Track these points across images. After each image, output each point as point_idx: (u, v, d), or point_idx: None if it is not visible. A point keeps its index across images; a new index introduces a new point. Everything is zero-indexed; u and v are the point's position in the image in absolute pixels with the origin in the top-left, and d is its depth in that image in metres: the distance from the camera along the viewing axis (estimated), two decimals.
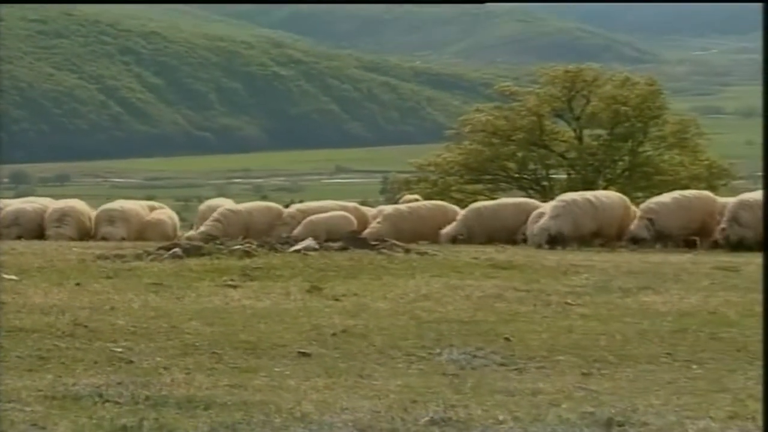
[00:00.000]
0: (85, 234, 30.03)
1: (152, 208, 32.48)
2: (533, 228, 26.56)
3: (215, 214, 30.58)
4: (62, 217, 30.45)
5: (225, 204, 31.90)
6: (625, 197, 28.92)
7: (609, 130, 48.28)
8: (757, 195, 27.69)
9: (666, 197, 28.13)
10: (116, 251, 21.32)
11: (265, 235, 26.58)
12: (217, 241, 22.32)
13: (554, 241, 25.67)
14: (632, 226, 26.82)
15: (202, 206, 33.08)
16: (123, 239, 28.78)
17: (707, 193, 29.85)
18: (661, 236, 26.57)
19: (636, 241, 26.37)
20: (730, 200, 27.61)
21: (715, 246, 25.88)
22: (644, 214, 27.06)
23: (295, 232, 27.15)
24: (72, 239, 28.29)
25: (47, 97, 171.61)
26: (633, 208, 27.89)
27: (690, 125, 50.32)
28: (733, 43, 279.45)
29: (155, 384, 9.70)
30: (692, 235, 27.21)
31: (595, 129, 48.73)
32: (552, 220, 26.34)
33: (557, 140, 48.44)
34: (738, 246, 25.27)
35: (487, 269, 18.76)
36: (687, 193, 29.12)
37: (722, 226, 26.15)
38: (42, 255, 20.76)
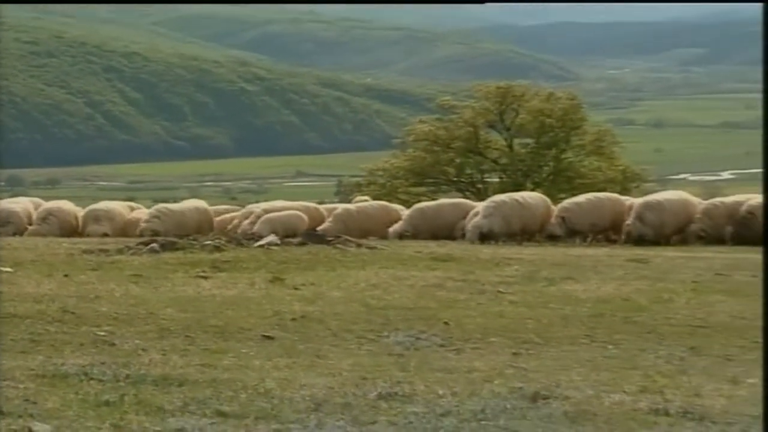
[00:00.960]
0: (72, 231, 29.92)
1: (132, 208, 32.38)
2: (468, 225, 26.66)
3: (153, 211, 30.77)
4: (47, 216, 30.48)
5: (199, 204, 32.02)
6: (546, 198, 29.04)
7: (536, 139, 48.45)
8: (660, 196, 27.95)
9: (580, 198, 28.35)
10: (100, 246, 21.24)
11: (197, 232, 27.06)
12: (191, 237, 22.28)
13: (486, 237, 25.74)
14: (548, 224, 26.98)
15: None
16: (106, 235, 28.70)
17: (617, 195, 29.99)
18: (574, 233, 26.68)
19: (551, 237, 26.50)
20: (637, 200, 27.78)
21: (627, 241, 25.99)
22: (559, 213, 27.23)
23: (255, 228, 27.18)
24: (54, 236, 28.21)
25: (39, 109, 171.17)
26: (553, 207, 28.03)
27: (606, 135, 50.55)
28: (643, 63, 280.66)
29: (134, 364, 9.66)
30: (603, 231, 27.32)
31: (523, 138, 48.86)
32: (484, 219, 26.44)
33: (490, 148, 48.53)
34: (639, 242, 25.42)
35: (429, 262, 18.77)
36: (599, 194, 29.27)
37: (627, 223, 26.32)
38: (34, 250, 20.66)
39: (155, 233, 26.76)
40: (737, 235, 25.38)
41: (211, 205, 33.31)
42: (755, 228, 25.29)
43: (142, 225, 29.42)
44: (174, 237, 22.43)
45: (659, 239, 25.84)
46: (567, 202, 28.01)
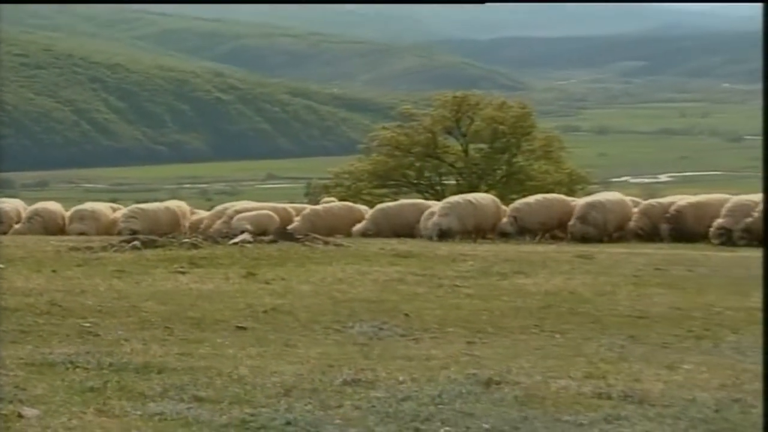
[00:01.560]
0: (57, 230, 29.84)
1: (114, 209, 32.28)
2: (427, 224, 26.69)
3: (127, 211, 30.78)
4: (32, 216, 30.47)
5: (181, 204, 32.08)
6: (496, 199, 29.13)
7: (489, 145, 48.59)
8: (601, 197, 28.08)
9: (530, 199, 28.38)
10: (86, 244, 21.12)
11: (169, 229, 27.23)
12: (170, 236, 22.25)
13: (444, 234, 25.77)
14: (500, 223, 27.05)
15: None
16: (84, 234, 28.59)
17: (564, 196, 30.08)
18: (524, 231, 26.73)
19: (503, 235, 26.57)
20: (579, 201, 27.89)
21: (573, 239, 26.08)
22: (511, 212, 27.30)
23: (239, 224, 27.24)
24: (39, 234, 28.17)
25: (29, 117, 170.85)
26: (504, 207, 28.13)
27: (554, 141, 50.72)
28: (587, 74, 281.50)
29: (117, 353, 9.63)
30: (551, 230, 27.40)
31: (478, 143, 48.96)
32: (441, 218, 26.48)
33: (448, 153, 48.64)
34: (583, 240, 25.50)
35: (391, 258, 18.75)
36: (548, 195, 29.34)
37: (571, 222, 26.40)
38: (23, 247, 20.55)
39: (134, 231, 26.81)
40: (672, 232, 25.51)
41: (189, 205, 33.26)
42: (686, 225, 25.48)
43: (121, 225, 29.41)
44: (154, 235, 22.40)
45: (602, 237, 25.94)
46: (518, 203, 28.05)
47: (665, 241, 25.08)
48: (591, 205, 26.76)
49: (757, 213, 24.11)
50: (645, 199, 28.68)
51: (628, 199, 28.29)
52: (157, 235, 24.10)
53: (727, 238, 24.22)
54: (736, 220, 24.53)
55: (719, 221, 24.87)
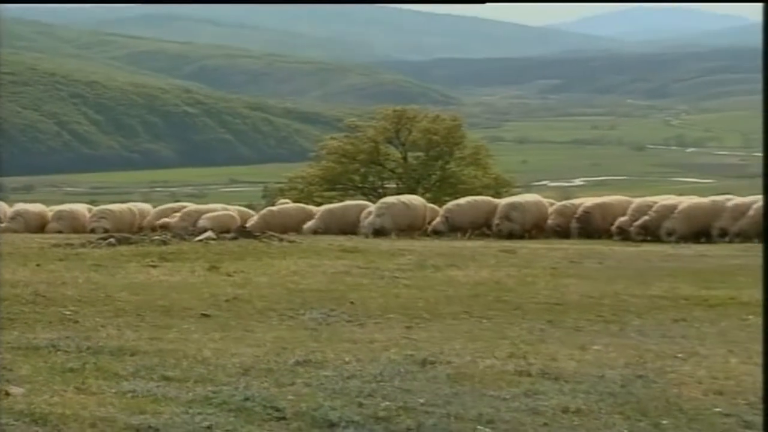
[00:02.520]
0: (38, 228, 29.65)
1: (90, 210, 32.09)
2: (364, 223, 26.73)
3: (96, 212, 30.65)
4: (15, 216, 30.34)
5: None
6: (424, 200, 29.20)
7: (425, 153, 48.71)
8: (522, 198, 28.26)
9: (461, 200, 28.49)
10: (66, 241, 21.03)
11: (130, 227, 27.29)
12: (142, 233, 22.22)
13: (378, 232, 25.80)
14: (434, 222, 27.10)
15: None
16: (60, 232, 28.43)
17: (490, 198, 30.15)
18: (456, 229, 26.77)
19: (437, 233, 26.59)
20: (502, 202, 27.97)
21: (497, 236, 26.15)
22: (444, 212, 27.37)
23: (204, 224, 27.15)
24: (21, 232, 28.03)
25: (17, 128, 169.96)
26: (436, 207, 28.27)
27: (482, 149, 50.94)
28: (510, 92, 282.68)
29: (94, 338, 9.56)
30: (479, 228, 27.46)
31: (415, 152, 49.05)
32: (377, 218, 26.53)
33: (389, 160, 48.74)
34: (509, 236, 25.60)
35: (338, 253, 18.75)
36: (477, 197, 29.45)
37: (496, 221, 26.47)
38: (11, 244, 20.42)
39: (106, 230, 26.86)
40: (580, 230, 25.65)
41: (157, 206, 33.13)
42: (594, 223, 25.65)
43: (92, 224, 29.33)
44: (123, 233, 22.39)
45: (523, 233, 26.06)
46: (450, 204, 28.14)
47: (573, 238, 25.18)
48: (512, 206, 26.88)
49: (655, 213, 24.42)
50: (560, 201, 28.78)
51: (545, 200, 28.42)
52: (120, 230, 24.33)
53: (626, 235, 24.54)
54: (635, 219, 24.80)
55: (621, 219, 25.14)
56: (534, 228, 26.75)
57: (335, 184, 46.29)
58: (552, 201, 28.76)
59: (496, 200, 28.82)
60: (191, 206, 31.59)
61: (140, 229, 28.59)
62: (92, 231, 27.63)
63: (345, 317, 11.28)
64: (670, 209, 24.62)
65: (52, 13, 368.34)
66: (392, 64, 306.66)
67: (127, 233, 23.52)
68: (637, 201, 25.82)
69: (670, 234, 24.01)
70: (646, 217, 24.58)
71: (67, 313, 11.20)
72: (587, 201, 27.35)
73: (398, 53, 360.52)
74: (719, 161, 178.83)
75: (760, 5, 5.10)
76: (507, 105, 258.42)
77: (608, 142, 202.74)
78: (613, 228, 25.07)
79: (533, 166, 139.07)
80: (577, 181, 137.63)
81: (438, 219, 27.18)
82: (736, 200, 24.97)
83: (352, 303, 12.32)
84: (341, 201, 35.10)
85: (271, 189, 54.94)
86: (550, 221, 26.77)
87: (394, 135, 49.25)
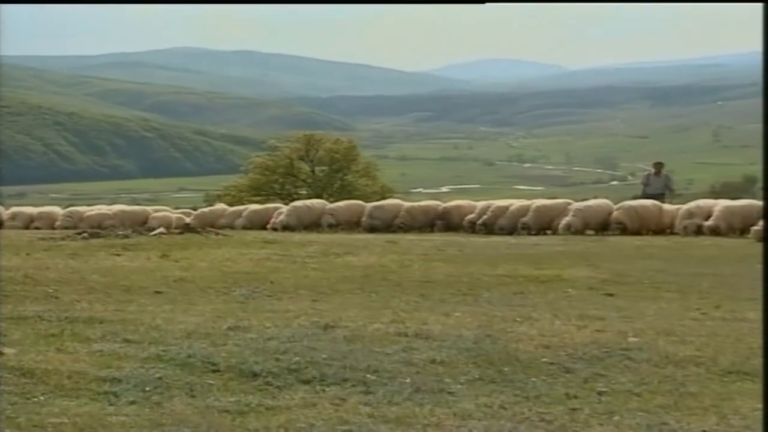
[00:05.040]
0: (28, 226, 29.11)
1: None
2: (277, 220, 26.58)
3: (66, 212, 30.02)
4: (14, 215, 29.84)
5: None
6: (325, 202, 28.69)
7: (329, 167, 48.70)
8: (385, 202, 27.88)
9: (341, 203, 28.07)
10: (50, 235, 20.67)
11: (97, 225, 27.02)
12: (109, 229, 21.91)
13: (286, 227, 25.63)
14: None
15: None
16: (38, 228, 27.94)
17: (361, 202, 29.37)
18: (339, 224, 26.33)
19: (331, 227, 26.15)
20: (367, 205, 27.42)
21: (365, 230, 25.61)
22: (327, 211, 26.94)
23: (154, 223, 26.75)
24: (20, 228, 27.52)
25: (11, 149, 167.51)
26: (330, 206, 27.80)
27: (371, 165, 51.15)
28: (393, 121, 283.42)
29: (71, 310, 9.39)
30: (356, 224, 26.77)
31: (321, 166, 49.01)
32: (285, 216, 26.42)
33: (301, 172, 48.64)
34: (371, 231, 25.05)
35: (261, 244, 18.63)
36: (351, 201, 28.96)
37: (363, 219, 26.02)
38: (7, 238, 20.00)
39: (73, 227, 26.30)
40: (441, 226, 25.53)
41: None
42: (452, 220, 25.50)
43: (59, 222, 28.90)
44: (97, 229, 22.05)
45: (385, 228, 25.45)
46: (333, 205, 27.52)
47: (436, 232, 25.09)
48: (375, 207, 26.67)
49: (491, 212, 24.44)
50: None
51: (408, 203, 27.73)
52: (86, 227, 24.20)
53: (474, 229, 24.48)
54: (479, 216, 24.83)
55: (469, 217, 25.11)
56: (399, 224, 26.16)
57: (260, 192, 45.95)
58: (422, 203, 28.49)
59: (365, 203, 28.17)
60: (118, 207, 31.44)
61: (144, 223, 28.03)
62: (64, 228, 27.26)
63: (266, 293, 11.23)
64: (503, 209, 24.76)
65: (41, 60, 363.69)
66: (303, 100, 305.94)
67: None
68: (480, 204, 25.80)
69: (501, 228, 24.13)
70: (485, 216, 24.71)
71: (50, 291, 11.01)
72: (449, 202, 27.29)
73: (307, 91, 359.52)
74: (547, 173, 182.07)
75: (760, 5, 4.52)
76: (391, 131, 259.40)
77: (467, 159, 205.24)
78: (464, 223, 25.06)
79: (411, 177, 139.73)
80: (444, 189, 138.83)
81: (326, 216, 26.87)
82: (538, 202, 25.27)
83: (271, 282, 12.26)
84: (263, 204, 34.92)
85: (210, 195, 54.32)
86: (397, 219, 25.91)
87: (304, 153, 49.18)
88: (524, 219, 24.17)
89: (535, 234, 23.63)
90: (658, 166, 27.89)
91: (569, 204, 24.67)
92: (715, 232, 21.97)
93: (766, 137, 4.53)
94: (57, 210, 31.06)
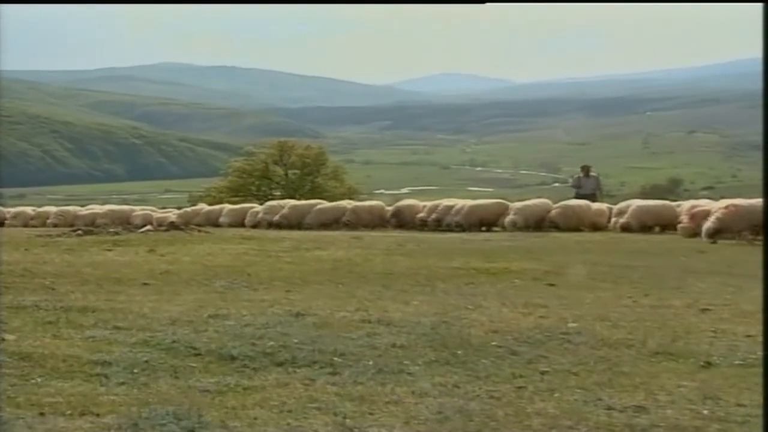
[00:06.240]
0: (27, 224, 28.93)
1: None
2: (255, 218, 26.50)
3: (56, 211, 29.95)
4: (16, 215, 29.65)
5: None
6: (296, 202, 28.57)
7: (300, 170, 48.70)
8: (364, 203, 27.74)
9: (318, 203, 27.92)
10: (47, 232, 20.54)
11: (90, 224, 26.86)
12: (101, 227, 21.78)
13: (262, 225, 25.58)
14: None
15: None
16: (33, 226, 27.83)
17: (344, 201, 29.52)
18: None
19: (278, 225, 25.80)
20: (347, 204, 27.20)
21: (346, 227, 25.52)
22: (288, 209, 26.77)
23: (137, 221, 26.67)
24: (18, 227, 27.32)
25: (13, 154, 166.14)
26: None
27: (339, 168, 51.29)
28: (359, 129, 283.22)
29: (66, 300, 9.32)
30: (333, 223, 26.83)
31: (294, 170, 48.97)
32: (263, 215, 26.35)
33: (275, 175, 48.60)
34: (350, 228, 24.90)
35: (240, 240, 18.58)
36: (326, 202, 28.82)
37: (344, 219, 25.97)
38: (9, 235, 19.88)
39: (67, 225, 26.16)
40: (396, 223, 24.99)
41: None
42: (404, 218, 25.18)
43: (52, 219, 28.74)
44: (90, 227, 21.92)
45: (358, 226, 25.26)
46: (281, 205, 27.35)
47: (390, 228, 24.74)
48: (355, 209, 26.35)
49: (441, 211, 24.37)
50: (389, 204, 28.06)
51: (345, 202, 27.35)
52: (71, 225, 24.19)
53: (426, 226, 24.26)
54: (428, 215, 24.74)
55: (420, 215, 24.91)
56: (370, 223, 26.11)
57: (238, 193, 45.88)
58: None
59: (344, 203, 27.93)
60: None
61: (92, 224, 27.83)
62: (54, 225, 27.14)
63: (243, 284, 11.17)
64: (450, 208, 24.74)
65: (39, 75, 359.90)
66: (277, 110, 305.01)
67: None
68: (430, 203, 25.64)
69: (450, 225, 24.10)
70: (434, 215, 24.66)
71: (47, 283, 10.91)
72: (404, 201, 27.05)
73: (282, 103, 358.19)
74: (497, 176, 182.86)
75: (760, 5, 4.23)
76: (356, 138, 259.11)
77: (425, 163, 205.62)
78: (416, 220, 24.85)
79: (374, 180, 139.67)
80: (404, 190, 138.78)
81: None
82: (469, 203, 25.18)
83: (248, 274, 12.20)
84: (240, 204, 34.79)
85: (194, 196, 54.08)
86: (343, 217, 25.53)
87: (278, 158, 49.16)
88: (457, 218, 24.21)
89: (465, 231, 23.52)
90: (586, 168, 28.10)
91: (502, 204, 24.84)
92: (626, 228, 22.22)
93: (766, 137, 4.31)
94: (52, 209, 30.87)
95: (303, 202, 28.35)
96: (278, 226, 25.20)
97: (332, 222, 25.49)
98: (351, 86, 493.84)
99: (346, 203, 27.11)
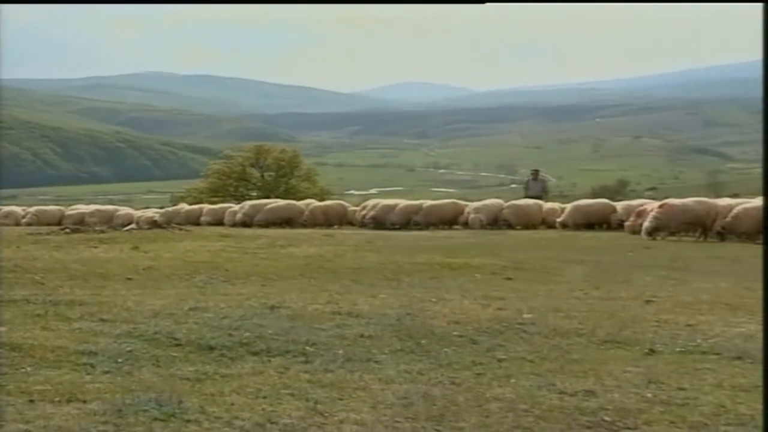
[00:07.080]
0: (18, 223, 28.56)
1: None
2: (233, 216, 26.42)
3: (33, 211, 29.68)
4: (7, 215, 29.29)
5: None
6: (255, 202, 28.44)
7: (276, 172, 48.49)
8: (320, 203, 27.53)
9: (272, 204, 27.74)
10: (37, 231, 20.27)
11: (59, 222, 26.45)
12: (86, 225, 21.57)
13: (241, 224, 25.48)
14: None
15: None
16: (30, 224, 27.48)
17: (295, 201, 29.04)
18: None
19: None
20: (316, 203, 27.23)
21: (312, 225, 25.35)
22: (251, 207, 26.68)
23: (119, 220, 26.49)
24: (10, 225, 26.96)
25: (5, 157, 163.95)
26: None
27: (312, 170, 51.12)
28: (331, 134, 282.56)
29: (55, 294, 9.20)
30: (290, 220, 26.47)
31: (269, 172, 48.79)
32: (240, 214, 26.25)
33: (252, 177, 48.37)
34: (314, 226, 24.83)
35: (218, 237, 18.45)
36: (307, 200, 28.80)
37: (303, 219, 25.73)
38: (1, 233, 19.57)
39: (42, 224, 26.06)
40: (371, 222, 24.88)
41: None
42: (380, 218, 25.18)
43: (28, 218, 28.54)
44: (78, 225, 21.70)
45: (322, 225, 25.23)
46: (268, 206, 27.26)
47: (368, 228, 24.96)
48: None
49: (397, 211, 24.34)
50: (357, 205, 28.06)
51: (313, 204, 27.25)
52: (48, 224, 24.05)
53: (400, 226, 24.29)
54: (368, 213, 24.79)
55: (362, 213, 24.99)
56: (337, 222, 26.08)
57: (217, 194, 45.58)
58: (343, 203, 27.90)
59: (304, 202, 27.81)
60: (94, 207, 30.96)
61: (59, 222, 27.53)
62: (28, 224, 26.98)
63: (222, 279, 11.10)
64: (418, 207, 24.80)
65: (30, 83, 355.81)
66: (254, 116, 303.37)
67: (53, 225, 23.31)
68: (403, 203, 25.60)
69: (393, 224, 24.04)
70: (373, 212, 24.71)
71: (37, 278, 10.77)
72: (381, 202, 26.88)
73: (258, 109, 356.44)
74: (458, 178, 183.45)
75: (760, 5, 4.02)
76: (329, 142, 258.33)
77: (392, 166, 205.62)
78: (389, 220, 24.68)
79: (346, 181, 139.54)
80: (373, 191, 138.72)
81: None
82: (428, 203, 25.24)
83: (226, 270, 12.13)
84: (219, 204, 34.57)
85: (175, 197, 53.66)
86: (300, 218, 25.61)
87: (255, 161, 48.90)
88: (416, 217, 24.25)
89: (422, 229, 23.52)
90: (535, 172, 28.58)
91: (457, 204, 25.03)
92: (564, 226, 22.55)
93: (766, 137, 4.11)
94: (18, 210, 30.48)
95: (258, 201, 28.62)
96: (243, 224, 25.32)
97: (282, 221, 25.60)
98: (324, 94, 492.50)
99: (303, 204, 27.03)
